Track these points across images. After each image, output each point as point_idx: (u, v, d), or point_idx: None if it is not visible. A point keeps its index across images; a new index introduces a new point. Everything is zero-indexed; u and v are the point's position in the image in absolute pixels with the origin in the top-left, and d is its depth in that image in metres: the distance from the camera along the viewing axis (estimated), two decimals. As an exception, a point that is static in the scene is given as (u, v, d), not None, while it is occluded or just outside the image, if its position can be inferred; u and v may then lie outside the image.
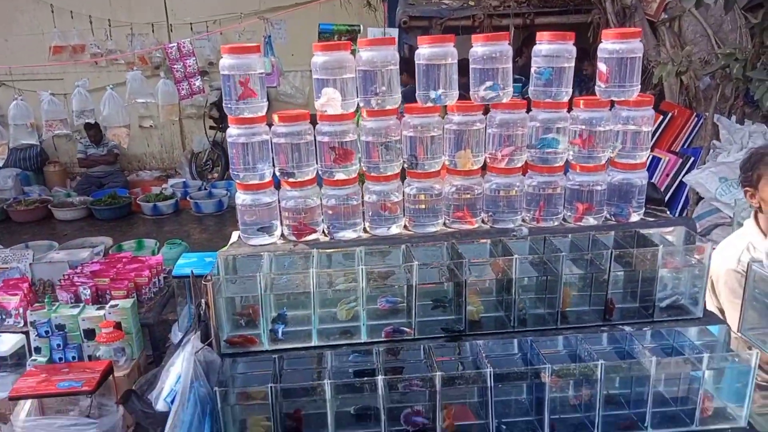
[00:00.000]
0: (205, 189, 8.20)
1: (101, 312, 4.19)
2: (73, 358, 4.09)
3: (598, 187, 1.84)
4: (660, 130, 5.38)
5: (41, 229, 7.36)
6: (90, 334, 4.14)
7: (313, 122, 1.81)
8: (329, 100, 1.73)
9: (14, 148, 6.65)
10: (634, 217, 1.87)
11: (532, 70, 1.80)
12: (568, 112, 1.81)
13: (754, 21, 4.31)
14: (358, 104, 1.79)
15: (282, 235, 1.90)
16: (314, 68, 1.75)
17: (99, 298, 4.49)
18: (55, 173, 8.66)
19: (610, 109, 1.81)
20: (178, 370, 1.61)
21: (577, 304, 1.83)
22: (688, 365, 1.58)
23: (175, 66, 5.36)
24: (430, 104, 1.78)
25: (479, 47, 1.77)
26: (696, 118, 5.22)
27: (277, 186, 1.88)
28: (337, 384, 1.63)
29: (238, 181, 1.81)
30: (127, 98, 5.26)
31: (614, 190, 1.87)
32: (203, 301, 1.66)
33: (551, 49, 1.76)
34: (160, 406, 1.57)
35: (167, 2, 8.68)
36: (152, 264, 4.87)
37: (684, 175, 5.14)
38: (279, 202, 1.86)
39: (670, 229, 1.86)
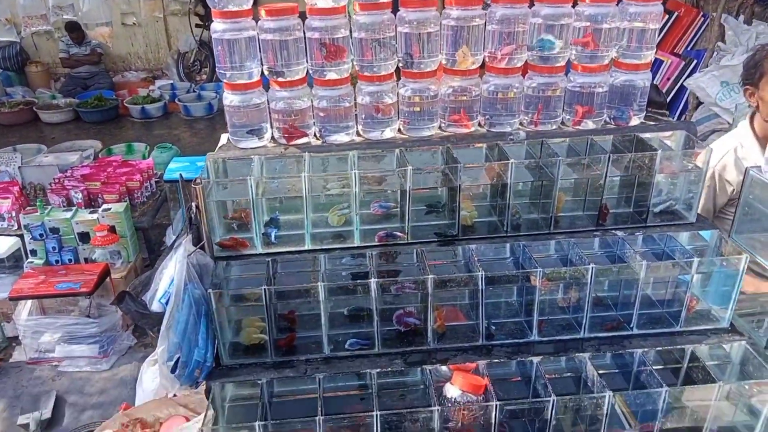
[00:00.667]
0: (194, 91, 7.98)
1: (94, 216, 4.20)
2: (70, 260, 4.14)
3: (600, 89, 1.77)
4: (664, 30, 5.18)
5: (28, 132, 7.22)
6: (85, 237, 4.17)
7: (303, 17, 1.70)
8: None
9: (-7, 47, 6.38)
10: (634, 121, 1.82)
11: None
12: (573, 7, 1.71)
13: None
14: (350, -3, 1.68)
15: (272, 138, 1.85)
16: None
17: (91, 202, 4.49)
18: (38, 74, 8.37)
19: (617, 5, 1.71)
20: (171, 273, 1.62)
21: (572, 210, 1.82)
22: (678, 269, 1.59)
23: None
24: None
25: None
26: (702, 18, 5.02)
27: (267, 87, 1.80)
28: (330, 286, 1.65)
29: (225, 80, 1.73)
30: (107, -7, 4.97)
31: (616, 92, 1.81)
32: (194, 204, 1.64)
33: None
34: (155, 307, 1.59)
35: None
36: (143, 168, 4.82)
37: (685, 79, 5.01)
38: (268, 104, 1.80)
39: (669, 133, 1.82)
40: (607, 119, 1.84)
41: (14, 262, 4.21)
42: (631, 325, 1.67)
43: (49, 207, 4.28)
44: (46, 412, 3.27)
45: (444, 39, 1.73)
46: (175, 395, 2.17)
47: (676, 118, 5.00)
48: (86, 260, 4.17)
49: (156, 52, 9.00)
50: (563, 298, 1.77)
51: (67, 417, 3.33)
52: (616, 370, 1.76)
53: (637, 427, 1.60)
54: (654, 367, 1.74)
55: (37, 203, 4.29)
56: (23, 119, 7.52)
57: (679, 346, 1.66)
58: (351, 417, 1.51)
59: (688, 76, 4.97)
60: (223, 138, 1.89)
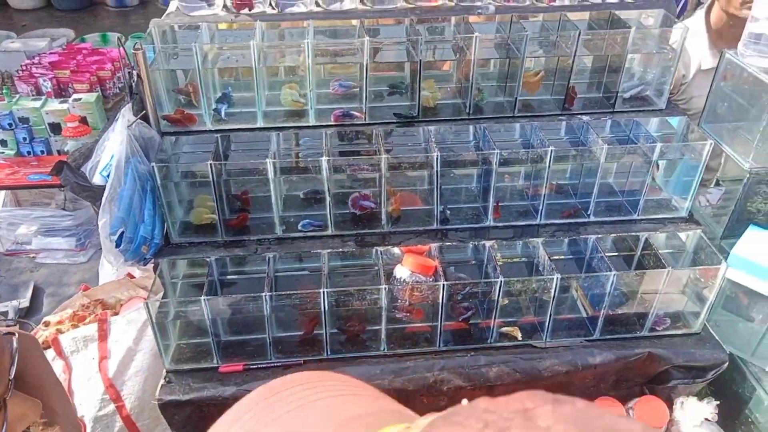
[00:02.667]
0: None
1: (65, 106, 4.05)
2: (42, 152, 4.03)
3: (578, -39, 1.64)
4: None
5: (-5, 18, 6.87)
6: (56, 128, 4.04)
7: None
8: None
9: None
10: (613, -1, 1.70)
11: None
12: None
13: None
14: None
15: (224, 6, 1.71)
16: None
17: (62, 92, 4.32)
18: (5, -45, 7.81)
19: None
20: (114, 145, 1.54)
21: (539, 93, 1.73)
22: (639, 154, 1.53)
23: None
24: None
25: None
26: None
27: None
28: (281, 165, 1.58)
29: (167, -63, 1.58)
30: None
31: (595, -35, 1.67)
32: (135, 72, 1.53)
33: None
34: (97, 179, 1.53)
35: None
36: (114, 57, 4.60)
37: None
38: (218, -33, 1.65)
39: (650, 13, 1.70)
40: (583, -5, 1.71)
41: (-18, 151, 4.09)
42: (589, 213, 1.64)
43: (17, 95, 4.12)
44: (24, 301, 3.31)
45: None
46: (133, 277, 2.16)
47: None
48: (59, 152, 4.07)
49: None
50: (525, 185, 1.73)
51: (45, 306, 3.37)
52: (571, 257, 1.75)
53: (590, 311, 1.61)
54: (610, 254, 1.73)
55: (4, 91, 4.12)
56: (-11, 3, 7.12)
57: (633, 234, 1.63)
58: (298, 295, 1.49)
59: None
60: (173, 5, 1.75)
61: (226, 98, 1.73)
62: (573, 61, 1.58)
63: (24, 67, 4.39)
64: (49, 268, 3.76)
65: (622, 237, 1.69)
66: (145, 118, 1.60)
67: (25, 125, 4.03)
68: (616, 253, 1.75)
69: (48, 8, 7.28)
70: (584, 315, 1.64)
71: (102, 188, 1.49)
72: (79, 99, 4.06)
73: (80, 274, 3.69)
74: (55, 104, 4.07)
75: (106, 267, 2.37)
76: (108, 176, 1.52)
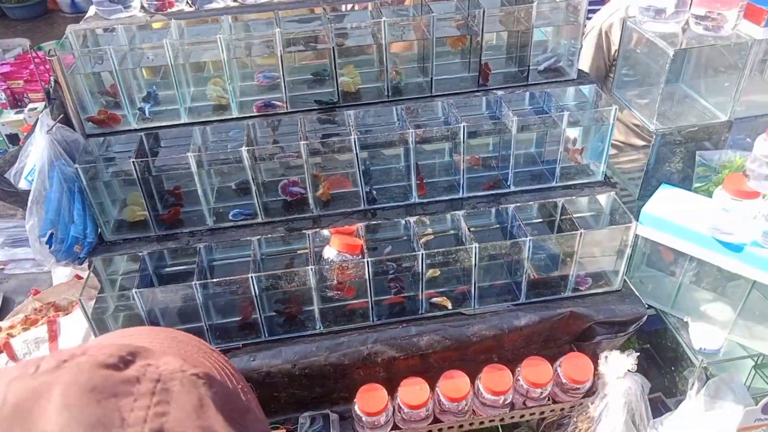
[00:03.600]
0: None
1: (21, 116, 4.04)
2: None
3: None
4: None
5: (-54, 31, 6.77)
6: (14, 139, 4.04)
7: None
8: None
9: None
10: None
11: None
12: None
13: None
14: None
15: (142, 7, 1.74)
16: None
17: (17, 102, 4.30)
18: (-47, -33, 7.68)
19: None
20: (38, 149, 1.57)
21: (456, 72, 1.78)
22: (548, 124, 1.59)
23: None
24: None
25: None
26: None
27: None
28: (209, 159, 1.62)
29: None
30: None
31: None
32: (52, 78, 1.56)
33: None
34: (22, 184, 1.56)
35: None
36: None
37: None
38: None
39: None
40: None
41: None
42: (509, 183, 1.70)
43: (-27, 108, 4.10)
44: (-7, 312, 3.30)
45: None
46: (80, 278, 2.20)
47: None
48: (17, 162, 4.06)
49: (82, -62, 8.27)
50: (448, 161, 1.78)
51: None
52: (497, 226, 1.81)
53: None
54: (534, 221, 1.79)
55: (-43, 106, 4.10)
56: (-59, 18, 7.02)
57: (552, 200, 1.69)
58: (227, 281, 1.54)
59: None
60: (91, 10, 1.78)
61: (151, 97, 1.76)
62: (482, 39, 1.63)
63: (-23, 80, 4.36)
64: (18, 278, 3.74)
65: (544, 204, 1.76)
66: (69, 122, 1.63)
67: (-19, 138, 4.02)
68: (540, 220, 1.82)
69: (1, 18, 7.18)
70: (509, 280, 1.71)
71: (28, 192, 1.53)
72: (35, 108, 4.06)
73: (49, 283, 3.70)
74: (11, 115, 4.06)
75: (57, 271, 2.40)
76: (33, 181, 1.55)
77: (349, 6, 1.97)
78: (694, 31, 1.52)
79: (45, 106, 1.60)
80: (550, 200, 1.69)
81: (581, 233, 1.54)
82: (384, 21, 1.59)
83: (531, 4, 1.61)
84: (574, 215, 1.68)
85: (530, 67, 1.71)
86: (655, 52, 1.54)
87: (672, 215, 1.55)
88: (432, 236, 1.81)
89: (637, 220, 1.61)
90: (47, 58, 1.52)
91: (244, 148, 1.57)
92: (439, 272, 1.72)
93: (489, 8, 1.60)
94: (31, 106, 4.16)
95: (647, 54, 1.61)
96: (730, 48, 1.54)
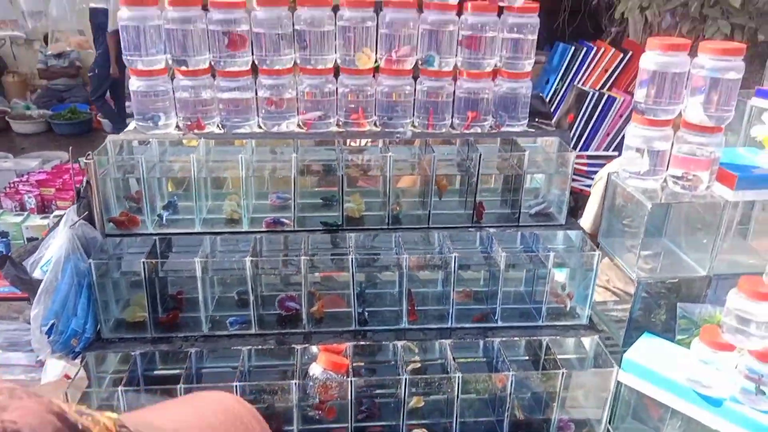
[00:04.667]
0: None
1: (45, 221, 4.24)
2: (15, 264, 4.15)
3: (485, 95, 1.89)
4: (619, 69, 5.39)
5: (-1, 141, 7.28)
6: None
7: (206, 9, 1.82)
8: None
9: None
10: (517, 128, 1.94)
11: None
12: (458, 16, 1.84)
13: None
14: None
15: (177, 126, 1.94)
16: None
17: (44, 209, 4.53)
18: (14, 84, 8.46)
19: (499, 15, 1.84)
20: (58, 242, 1.68)
21: (454, 208, 1.92)
22: (535, 263, 1.69)
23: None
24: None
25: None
26: (653, 61, 5.25)
27: (173, 77, 1.90)
28: (214, 267, 1.72)
29: (130, 66, 1.84)
30: (78, 1, 5.09)
31: (500, 100, 1.93)
32: (85, 179, 1.72)
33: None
34: (37, 274, 1.65)
35: None
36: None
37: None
38: (173, 92, 1.89)
39: (551, 141, 1.94)
40: (492, 126, 1.96)
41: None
42: (496, 318, 1.75)
43: (1, 211, 4.32)
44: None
45: (340, 38, 1.85)
46: (69, 377, 2.19)
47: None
48: (32, 264, 4.19)
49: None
50: (440, 291, 1.86)
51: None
52: (484, 359, 1.83)
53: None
54: (520, 358, 1.82)
55: (-12, 207, 4.33)
56: (-6, 128, 7.58)
57: (537, 339, 1.73)
58: (210, 387, 1.56)
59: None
60: (132, 125, 1.98)
61: (172, 206, 1.91)
62: (477, 180, 1.78)
63: (11, 185, 4.64)
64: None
65: (530, 342, 1.80)
66: (91, 220, 1.76)
67: (4, 239, 4.18)
68: (526, 358, 1.84)
69: (48, 133, 7.74)
70: (493, 418, 1.70)
71: (39, 282, 1.61)
72: (60, 215, 4.26)
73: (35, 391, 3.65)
74: (36, 219, 4.26)
75: (48, 368, 2.41)
76: (48, 271, 1.64)
77: (364, 141, 2.17)
78: (672, 189, 1.66)
79: (72, 203, 1.73)
80: (535, 338, 1.73)
81: (563, 373, 1.57)
82: (390, 156, 1.76)
83: (524, 152, 1.78)
84: (559, 356, 1.71)
85: (522, 210, 1.84)
86: (636, 205, 1.67)
87: (653, 364, 1.57)
88: (419, 364, 1.83)
89: (620, 366, 1.64)
90: (85, 161, 1.69)
91: (248, 259, 1.67)
92: (422, 402, 1.72)
93: (486, 153, 1.76)
94: (57, 212, 4.37)
95: (629, 207, 1.73)
96: (705, 206, 1.67)
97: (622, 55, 4.87)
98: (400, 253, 1.76)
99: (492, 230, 1.81)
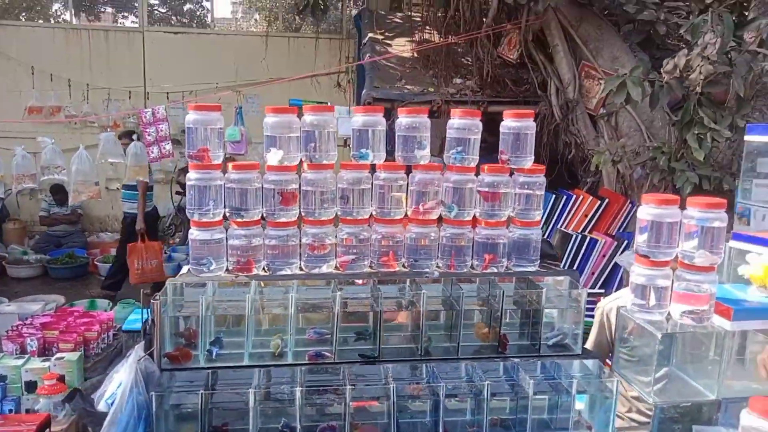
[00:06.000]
0: (165, 253, 8.30)
1: (46, 364, 4.22)
2: (10, 411, 4.05)
3: (500, 240, 2.17)
4: (598, 214, 5.87)
5: (-9, 286, 7.33)
6: (31, 386, 4.13)
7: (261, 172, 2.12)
8: (280, 155, 2.05)
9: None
10: (530, 268, 2.20)
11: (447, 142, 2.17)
12: (476, 175, 2.17)
13: (675, 119, 4.89)
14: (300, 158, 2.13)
15: (227, 269, 2.16)
16: (265, 127, 2.09)
17: (46, 351, 4.53)
18: (14, 231, 8.68)
19: (510, 176, 2.18)
20: (121, 377, 1.82)
21: (478, 340, 2.11)
22: (561, 389, 1.86)
23: (148, 130, 5.59)
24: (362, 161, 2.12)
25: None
26: (630, 205, 5.74)
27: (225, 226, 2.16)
28: (261, 397, 1.85)
29: (192, 219, 2.09)
30: (98, 157, 5.48)
31: (514, 244, 2.21)
32: (150, 317, 1.89)
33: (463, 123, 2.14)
34: (101, 406, 1.76)
35: (146, 70, 9.09)
36: (103, 319, 4.93)
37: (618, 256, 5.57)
38: (226, 240, 2.13)
39: (561, 279, 2.19)
40: (509, 267, 2.22)
41: (-45, 408, 4.11)
42: (526, 443, 1.88)
43: (1, 354, 4.31)
44: None
45: (374, 194, 2.15)
46: None
47: (613, 291, 5.47)
48: (27, 411, 4.09)
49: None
50: (470, 419, 1.99)
51: None
52: (516, 486, 1.92)
53: None
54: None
55: (-12, 351, 4.32)
56: (-11, 273, 7.65)
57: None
58: None
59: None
60: (185, 268, 2.20)
61: (218, 342, 2.07)
62: (501, 314, 2.00)
63: (14, 328, 4.67)
64: None
65: (560, 467, 1.91)
66: (150, 355, 1.90)
67: (2, 383, 4.13)
68: (557, 484, 1.93)
69: (43, 276, 7.83)
70: None
71: (104, 414, 1.72)
72: (62, 358, 4.25)
73: None
74: (36, 362, 4.23)
75: None
76: (112, 404, 1.76)
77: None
78: (676, 321, 1.89)
79: (138, 341, 1.89)
80: (565, 463, 1.85)
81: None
82: (424, 293, 1.98)
83: (540, 289, 2.02)
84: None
85: (541, 342, 2.04)
86: (646, 336, 1.89)
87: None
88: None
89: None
90: (153, 300, 1.88)
91: (298, 389, 1.81)
92: None
93: (507, 290, 2.00)
94: (58, 355, 4.36)
95: (639, 338, 1.95)
96: (707, 336, 1.89)
97: (599, 202, 5.35)
98: (434, 380, 1.92)
99: (516, 360, 2.00)
